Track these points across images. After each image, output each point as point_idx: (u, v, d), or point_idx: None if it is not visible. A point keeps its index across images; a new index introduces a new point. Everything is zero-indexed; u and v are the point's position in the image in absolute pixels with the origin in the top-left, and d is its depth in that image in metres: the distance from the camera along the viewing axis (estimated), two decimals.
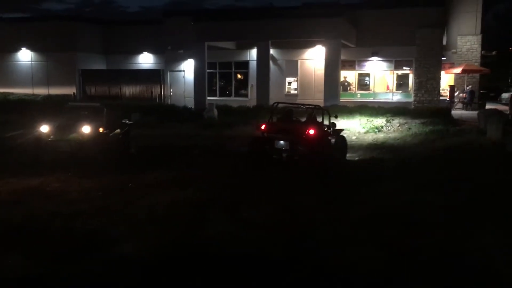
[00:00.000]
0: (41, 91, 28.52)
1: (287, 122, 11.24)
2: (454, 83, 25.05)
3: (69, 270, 5.10)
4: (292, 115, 11.51)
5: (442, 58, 23.94)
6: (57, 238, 6.01)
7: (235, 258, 5.35)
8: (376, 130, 16.43)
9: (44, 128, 11.39)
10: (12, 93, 27.85)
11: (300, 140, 10.19)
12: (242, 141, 14.72)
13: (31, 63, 29.46)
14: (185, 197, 7.93)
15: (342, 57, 23.25)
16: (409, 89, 24.93)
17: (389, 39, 23.99)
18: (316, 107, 11.60)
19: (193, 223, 6.61)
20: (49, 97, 26.77)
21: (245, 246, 5.71)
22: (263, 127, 10.86)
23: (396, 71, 25.20)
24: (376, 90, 25.35)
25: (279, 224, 6.60)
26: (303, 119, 11.59)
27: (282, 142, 10.44)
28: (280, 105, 12.12)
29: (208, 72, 24.65)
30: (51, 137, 11.27)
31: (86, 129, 11.21)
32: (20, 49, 29.20)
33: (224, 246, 5.69)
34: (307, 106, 11.97)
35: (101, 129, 11.43)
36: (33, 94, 28.15)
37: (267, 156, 10.52)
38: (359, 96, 25.24)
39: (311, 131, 10.27)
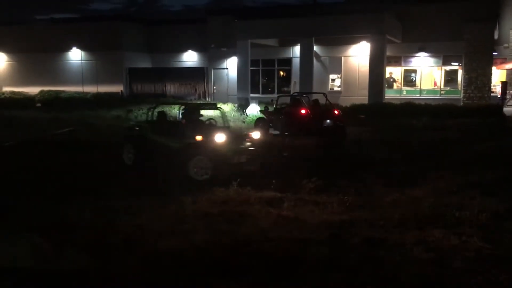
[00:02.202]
0: (90, 89, 29.57)
1: (315, 107, 14.96)
2: (506, 79, 24.00)
3: (116, 264, 5.28)
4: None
5: (494, 53, 23.00)
6: (103, 232, 6.24)
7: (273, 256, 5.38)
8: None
9: (221, 137, 9.35)
10: (63, 91, 29.02)
11: (335, 119, 14.47)
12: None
13: (81, 62, 30.58)
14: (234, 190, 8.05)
15: (388, 53, 22.78)
16: (458, 85, 24.11)
17: (437, 34, 23.26)
18: (325, 94, 16.10)
19: (233, 219, 6.68)
20: (98, 95, 27.72)
21: (283, 244, 5.72)
22: (303, 111, 14.28)
23: (444, 67, 24.43)
24: (423, 87, 24.67)
25: (319, 219, 6.58)
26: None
27: (328, 121, 14.30)
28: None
29: (251, 69, 24.78)
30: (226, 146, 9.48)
31: (257, 134, 10.24)
32: (71, 48, 30.35)
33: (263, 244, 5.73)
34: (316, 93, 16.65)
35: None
36: (83, 92, 29.23)
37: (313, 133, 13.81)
38: (405, 93, 24.65)
39: (336, 112, 14.84)
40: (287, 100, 16.73)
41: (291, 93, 25.94)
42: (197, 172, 9.07)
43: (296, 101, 15.34)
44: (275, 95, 26.10)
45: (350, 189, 8.34)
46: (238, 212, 6.85)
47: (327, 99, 15.70)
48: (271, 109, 16.47)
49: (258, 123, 16.06)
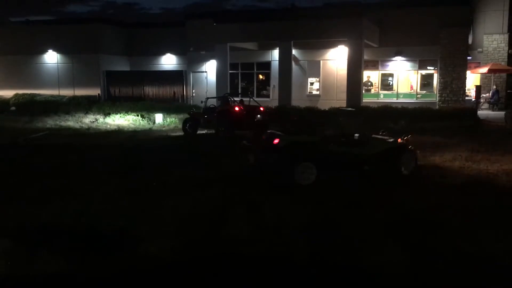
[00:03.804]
0: (67, 92, 29.07)
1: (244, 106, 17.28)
2: (480, 83, 24.57)
3: (96, 267, 5.19)
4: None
5: (468, 58, 23.51)
6: (86, 236, 6.13)
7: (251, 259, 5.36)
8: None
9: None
10: (39, 94, 28.46)
11: (262, 114, 16.98)
12: None
13: (57, 65, 30.06)
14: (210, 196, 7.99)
15: (365, 57, 23.06)
16: (433, 89, 24.55)
17: (413, 39, 23.68)
18: (250, 95, 19.38)
19: (214, 223, 6.64)
20: (74, 98, 27.29)
21: (263, 248, 5.70)
22: (237, 109, 16.53)
23: (420, 71, 24.85)
24: (400, 90, 25.04)
25: (300, 225, 6.59)
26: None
27: (259, 116, 16.69)
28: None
29: (230, 72, 24.75)
30: None
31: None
32: (47, 51, 29.82)
33: (242, 247, 5.71)
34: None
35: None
36: (59, 95, 28.70)
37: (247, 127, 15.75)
38: (382, 97, 24.98)
39: (262, 108, 17.30)
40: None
41: (270, 96, 26.15)
42: (405, 167, 9.85)
43: (226, 101, 17.46)
44: (255, 99, 26.26)
45: None
46: None
47: (252, 99, 18.41)
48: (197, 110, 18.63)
49: (186, 123, 17.56)
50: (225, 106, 17.20)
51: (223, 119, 16.43)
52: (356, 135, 9.88)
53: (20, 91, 28.88)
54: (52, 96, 28.38)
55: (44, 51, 29.86)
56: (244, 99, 18.07)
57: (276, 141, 9.02)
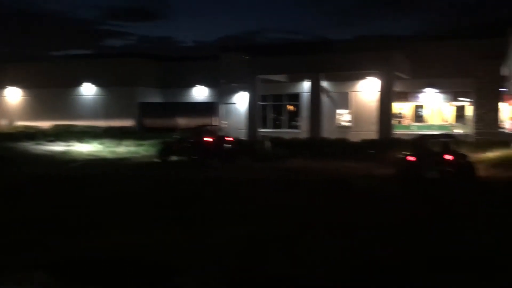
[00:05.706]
0: (101, 123, 29.86)
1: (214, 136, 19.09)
2: None
3: None
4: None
5: (504, 90, 23.06)
6: (128, 268, 6.17)
7: None
8: None
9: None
10: (74, 125, 29.35)
11: (231, 143, 18.90)
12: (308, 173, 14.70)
13: (94, 97, 31.05)
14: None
15: (397, 88, 22.95)
16: (468, 121, 24.09)
17: (446, 71, 23.44)
18: (217, 126, 20.89)
19: (252, 259, 6.57)
20: (109, 129, 28.01)
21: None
22: (209, 139, 18.25)
23: (454, 103, 24.49)
24: (432, 122, 24.69)
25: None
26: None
27: (226, 145, 18.52)
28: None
29: (260, 104, 25.00)
30: None
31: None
32: (84, 84, 30.88)
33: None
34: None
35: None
36: (94, 126, 29.51)
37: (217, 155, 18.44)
38: (414, 129, 24.65)
39: (231, 138, 19.20)
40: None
41: (300, 128, 26.19)
42: None
43: (197, 132, 19.19)
44: (285, 130, 26.43)
45: None
46: None
47: (220, 129, 20.03)
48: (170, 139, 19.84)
49: (161, 150, 18.92)
50: (197, 136, 18.81)
51: (196, 148, 18.36)
52: None
53: (59, 122, 29.88)
54: (88, 126, 29.21)
55: (81, 84, 30.94)
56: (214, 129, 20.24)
57: None
